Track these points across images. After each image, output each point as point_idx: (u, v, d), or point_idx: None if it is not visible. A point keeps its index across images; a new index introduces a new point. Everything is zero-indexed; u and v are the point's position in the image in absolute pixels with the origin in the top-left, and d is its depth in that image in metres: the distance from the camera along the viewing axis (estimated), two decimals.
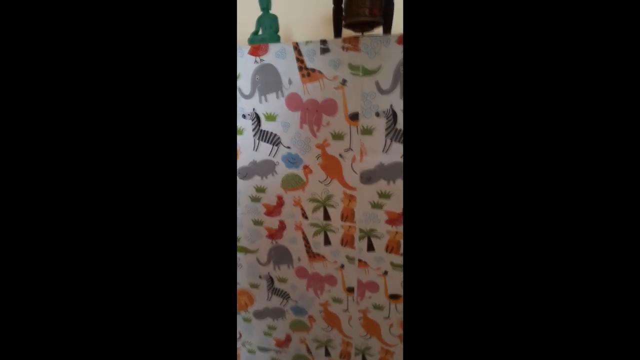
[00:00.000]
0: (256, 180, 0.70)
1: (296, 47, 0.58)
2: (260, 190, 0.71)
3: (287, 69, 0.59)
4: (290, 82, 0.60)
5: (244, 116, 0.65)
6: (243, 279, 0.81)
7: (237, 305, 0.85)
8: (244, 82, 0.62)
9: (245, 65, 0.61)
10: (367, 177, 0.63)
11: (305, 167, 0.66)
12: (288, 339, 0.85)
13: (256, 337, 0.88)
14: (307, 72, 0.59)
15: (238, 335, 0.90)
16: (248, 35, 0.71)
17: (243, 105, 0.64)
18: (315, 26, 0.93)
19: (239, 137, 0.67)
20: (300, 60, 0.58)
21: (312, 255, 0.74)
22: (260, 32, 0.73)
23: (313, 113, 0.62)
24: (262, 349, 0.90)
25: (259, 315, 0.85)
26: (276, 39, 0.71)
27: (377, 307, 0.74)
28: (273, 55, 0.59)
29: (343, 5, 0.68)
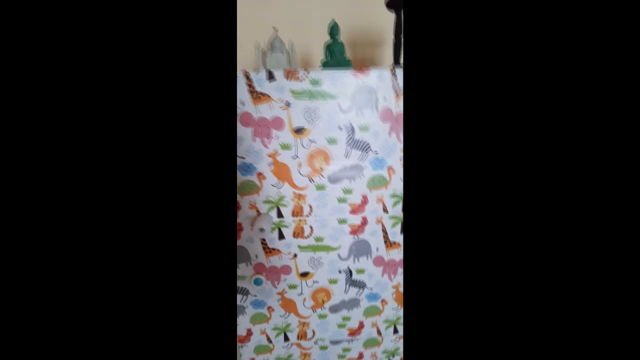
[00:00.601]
0: (344, 184, 0.80)
1: (393, 72, 0.72)
2: (348, 192, 0.81)
3: (384, 88, 0.73)
4: (385, 99, 0.74)
5: (340, 128, 0.75)
6: (323, 277, 0.88)
7: (315, 303, 0.91)
8: (343, 99, 0.73)
9: (348, 84, 0.72)
10: None
11: (390, 168, 0.80)
12: (361, 325, 0.95)
13: (330, 331, 0.95)
14: (400, 91, 0.73)
15: (311, 334, 0.95)
16: (319, 59, 0.83)
17: (341, 119, 0.75)
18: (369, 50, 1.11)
19: (332, 146, 0.77)
20: (395, 82, 0.72)
21: (390, 244, 0.87)
22: (329, 58, 0.85)
23: (401, 123, 0.76)
24: (335, 342, 0.97)
25: (335, 309, 0.92)
26: (348, 62, 0.84)
27: None
28: (374, 77, 0.72)
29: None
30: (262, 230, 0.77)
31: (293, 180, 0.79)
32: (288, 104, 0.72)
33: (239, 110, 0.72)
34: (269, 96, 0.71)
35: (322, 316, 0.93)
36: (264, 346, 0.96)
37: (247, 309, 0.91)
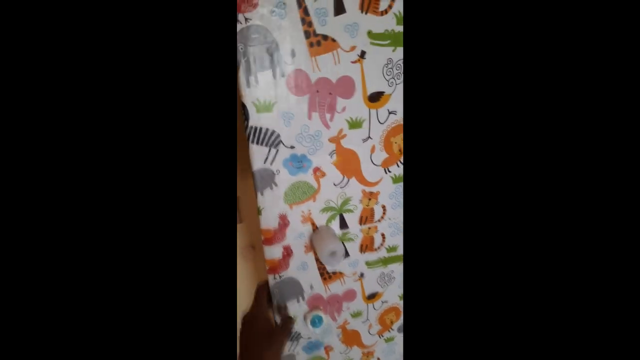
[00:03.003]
0: None
1: None
2: None
3: None
4: None
5: None
6: (393, 294, 0.67)
7: (382, 327, 0.70)
8: None
9: None
10: None
11: None
12: None
13: (397, 354, 0.76)
14: None
15: None
16: None
17: None
18: None
19: None
20: None
21: None
22: None
23: None
24: None
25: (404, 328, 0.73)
26: None
27: None
28: None
29: None
30: (333, 254, 0.51)
31: (362, 173, 0.54)
32: (362, 55, 0.45)
33: (287, 68, 0.43)
34: (334, 41, 0.43)
35: (389, 339, 0.73)
36: None
37: (298, 356, 0.66)
